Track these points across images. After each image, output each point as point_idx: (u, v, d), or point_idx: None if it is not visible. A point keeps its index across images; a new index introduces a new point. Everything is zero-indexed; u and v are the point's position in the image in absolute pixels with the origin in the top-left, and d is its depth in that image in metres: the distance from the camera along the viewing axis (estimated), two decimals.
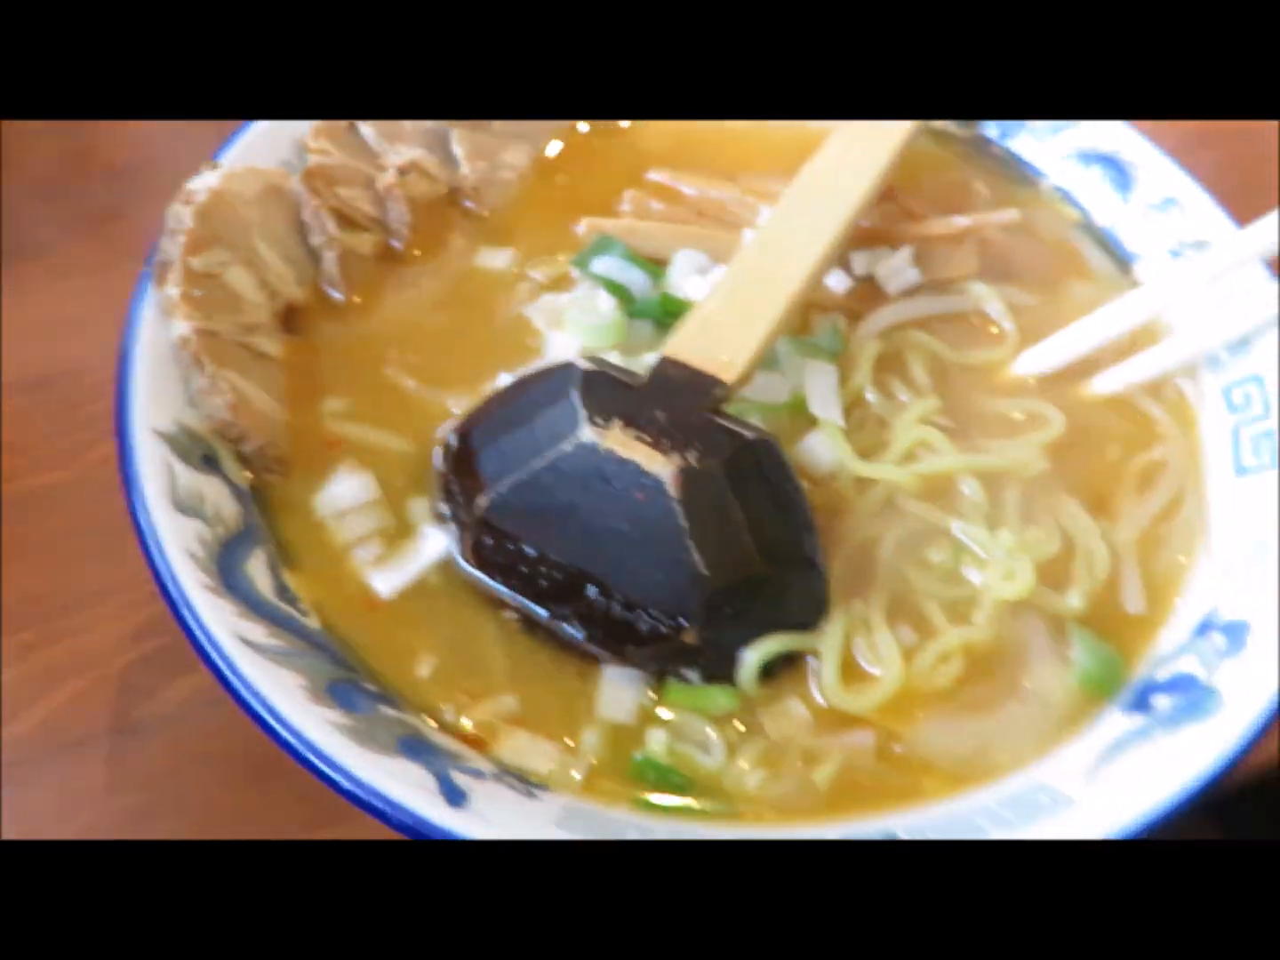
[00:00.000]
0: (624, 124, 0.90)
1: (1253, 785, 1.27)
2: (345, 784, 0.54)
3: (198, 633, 0.57)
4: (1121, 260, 0.85)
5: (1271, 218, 0.72)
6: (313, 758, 0.54)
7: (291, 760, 0.55)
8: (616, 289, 0.75)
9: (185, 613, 0.58)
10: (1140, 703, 0.64)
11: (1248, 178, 0.91)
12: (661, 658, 0.63)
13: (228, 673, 0.56)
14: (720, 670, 0.64)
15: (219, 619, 0.58)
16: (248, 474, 0.68)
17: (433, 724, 0.61)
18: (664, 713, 0.63)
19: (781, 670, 0.65)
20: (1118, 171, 0.86)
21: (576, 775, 0.61)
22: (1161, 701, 0.63)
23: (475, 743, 0.61)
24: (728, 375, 0.65)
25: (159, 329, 0.68)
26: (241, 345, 0.71)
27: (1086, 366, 0.78)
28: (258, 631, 0.59)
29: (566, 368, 0.65)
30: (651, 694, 0.64)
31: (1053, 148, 0.89)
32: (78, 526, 0.80)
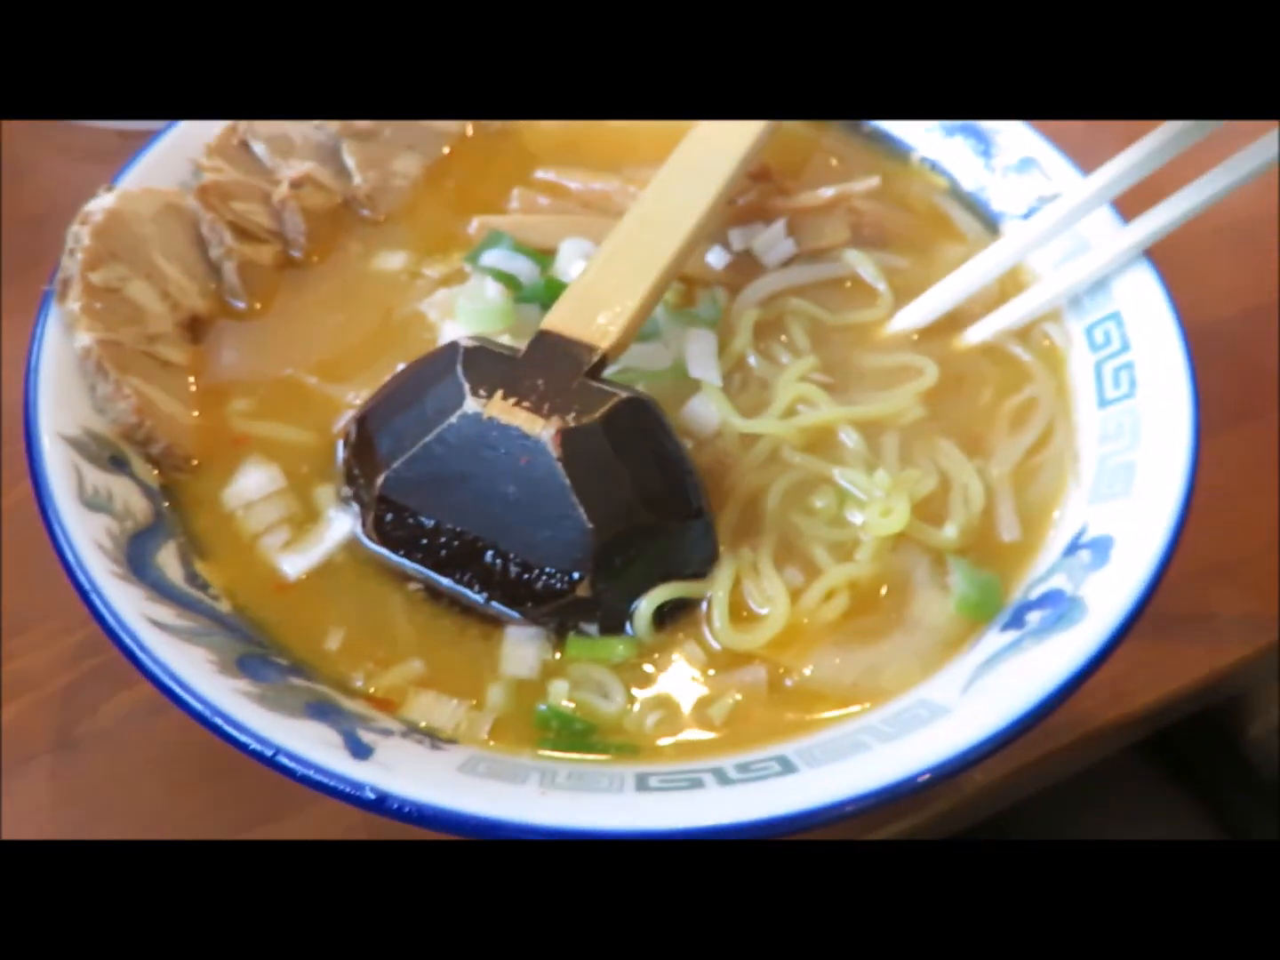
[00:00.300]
0: (511, 125, 0.94)
1: (1250, 780, 1.32)
2: (252, 744, 0.56)
3: (107, 616, 0.60)
4: (989, 220, 0.90)
5: (1111, 164, 0.77)
6: (220, 721, 0.57)
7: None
8: (505, 277, 0.79)
9: (94, 598, 0.60)
10: (1016, 621, 0.67)
11: (1095, 129, 0.95)
12: (559, 613, 0.66)
13: (136, 650, 0.59)
14: (616, 621, 0.67)
15: (127, 602, 0.61)
16: (157, 473, 0.71)
17: (343, 692, 0.64)
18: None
19: (677, 617, 0.68)
20: (978, 139, 0.91)
21: (483, 729, 0.64)
22: (1033, 617, 0.67)
23: (384, 705, 0.64)
24: (603, 342, 0.69)
25: (63, 342, 0.71)
26: (146, 354, 0.74)
27: (958, 319, 0.83)
28: (166, 613, 0.62)
29: (450, 347, 0.69)
30: (554, 649, 0.67)
31: (919, 122, 0.94)
32: (11, 556, 0.83)
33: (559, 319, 0.70)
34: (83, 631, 0.85)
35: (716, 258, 0.84)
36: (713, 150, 0.81)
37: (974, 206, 0.91)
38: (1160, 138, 0.74)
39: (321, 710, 0.61)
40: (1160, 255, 0.80)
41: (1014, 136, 0.89)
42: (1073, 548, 0.70)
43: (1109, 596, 0.64)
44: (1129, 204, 0.80)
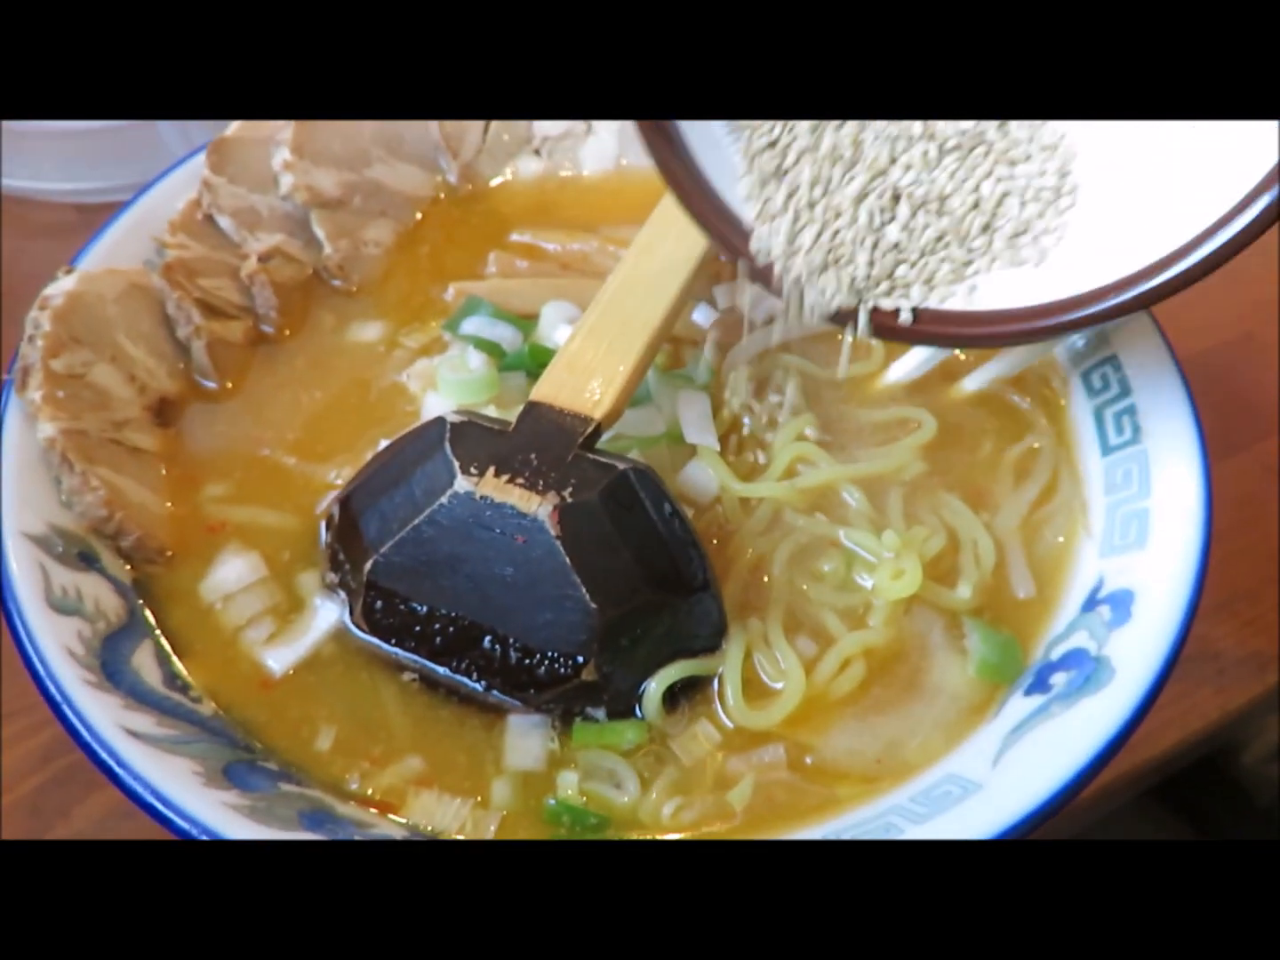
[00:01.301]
0: (483, 188, 0.92)
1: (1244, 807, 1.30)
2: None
3: (80, 729, 0.56)
4: None
5: None
6: (209, 840, 0.53)
7: None
8: (487, 345, 0.77)
9: (66, 710, 0.57)
10: (1040, 683, 0.65)
11: None
12: (564, 699, 0.63)
13: (113, 765, 0.55)
14: (625, 704, 0.64)
15: (102, 713, 0.57)
16: (129, 568, 0.68)
17: (337, 795, 0.60)
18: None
19: (688, 696, 0.65)
20: None
21: (490, 828, 0.60)
22: (1058, 679, 0.64)
23: (383, 807, 0.60)
24: (596, 412, 0.66)
25: (26, 434, 0.68)
26: (113, 441, 0.70)
27: (951, 369, 0.81)
28: (145, 722, 0.58)
29: (436, 423, 0.66)
30: (559, 737, 0.63)
31: None
32: None
33: (548, 389, 0.68)
34: (53, 728, 0.81)
35: (703, 315, 0.81)
36: None
37: None
38: None
39: (316, 819, 0.57)
40: None
41: None
42: (1091, 603, 0.68)
43: (1136, 656, 0.62)
44: None
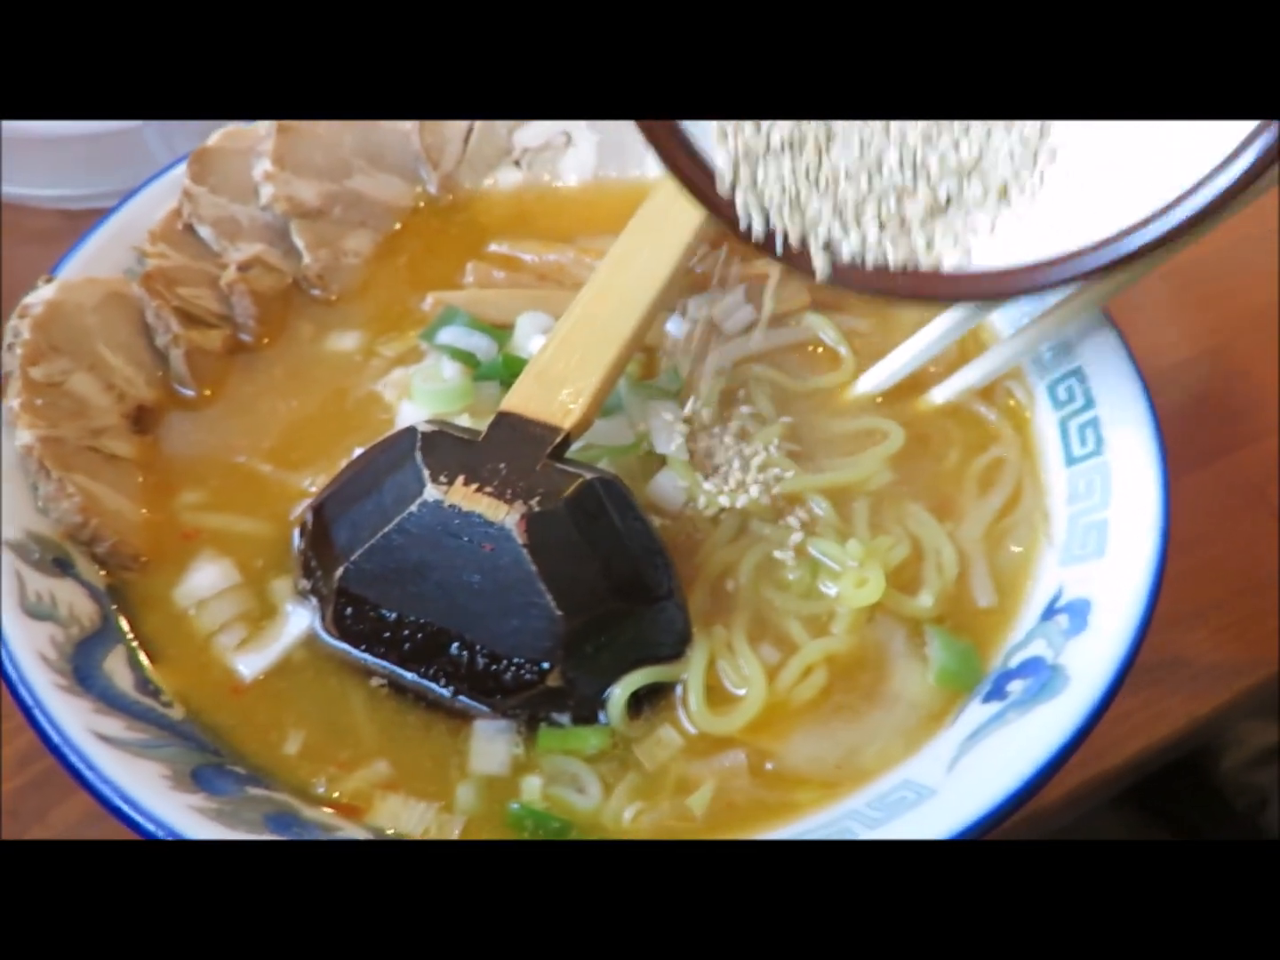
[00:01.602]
0: (463, 198, 0.93)
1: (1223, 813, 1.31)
2: None
3: (51, 733, 0.57)
4: None
5: None
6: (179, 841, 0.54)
7: None
8: (462, 355, 0.78)
9: (37, 714, 0.58)
10: (997, 691, 0.66)
11: None
12: (530, 704, 0.64)
13: (82, 768, 0.56)
14: (589, 710, 0.65)
15: (73, 717, 0.58)
16: (103, 574, 0.69)
17: (304, 799, 0.61)
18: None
19: (651, 702, 0.66)
20: None
21: (454, 832, 0.61)
22: (1015, 687, 0.65)
23: (349, 811, 0.61)
24: (565, 422, 0.67)
25: (3, 441, 0.69)
26: (90, 449, 0.71)
27: (921, 381, 0.82)
28: (115, 726, 0.59)
29: (407, 433, 0.67)
30: (524, 742, 0.65)
31: None
32: None
33: (519, 399, 0.69)
34: (29, 734, 0.82)
35: (676, 326, 0.82)
36: (670, 219, 0.80)
37: None
38: None
39: (283, 823, 0.58)
40: (1112, 304, 0.81)
41: None
42: (1049, 612, 0.69)
43: (1090, 665, 0.63)
44: None
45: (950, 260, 0.67)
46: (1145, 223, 0.61)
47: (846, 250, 0.67)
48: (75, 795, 0.80)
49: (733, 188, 0.68)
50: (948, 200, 0.66)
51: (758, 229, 0.68)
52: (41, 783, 0.81)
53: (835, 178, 0.66)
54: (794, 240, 0.68)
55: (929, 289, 0.68)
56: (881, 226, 0.67)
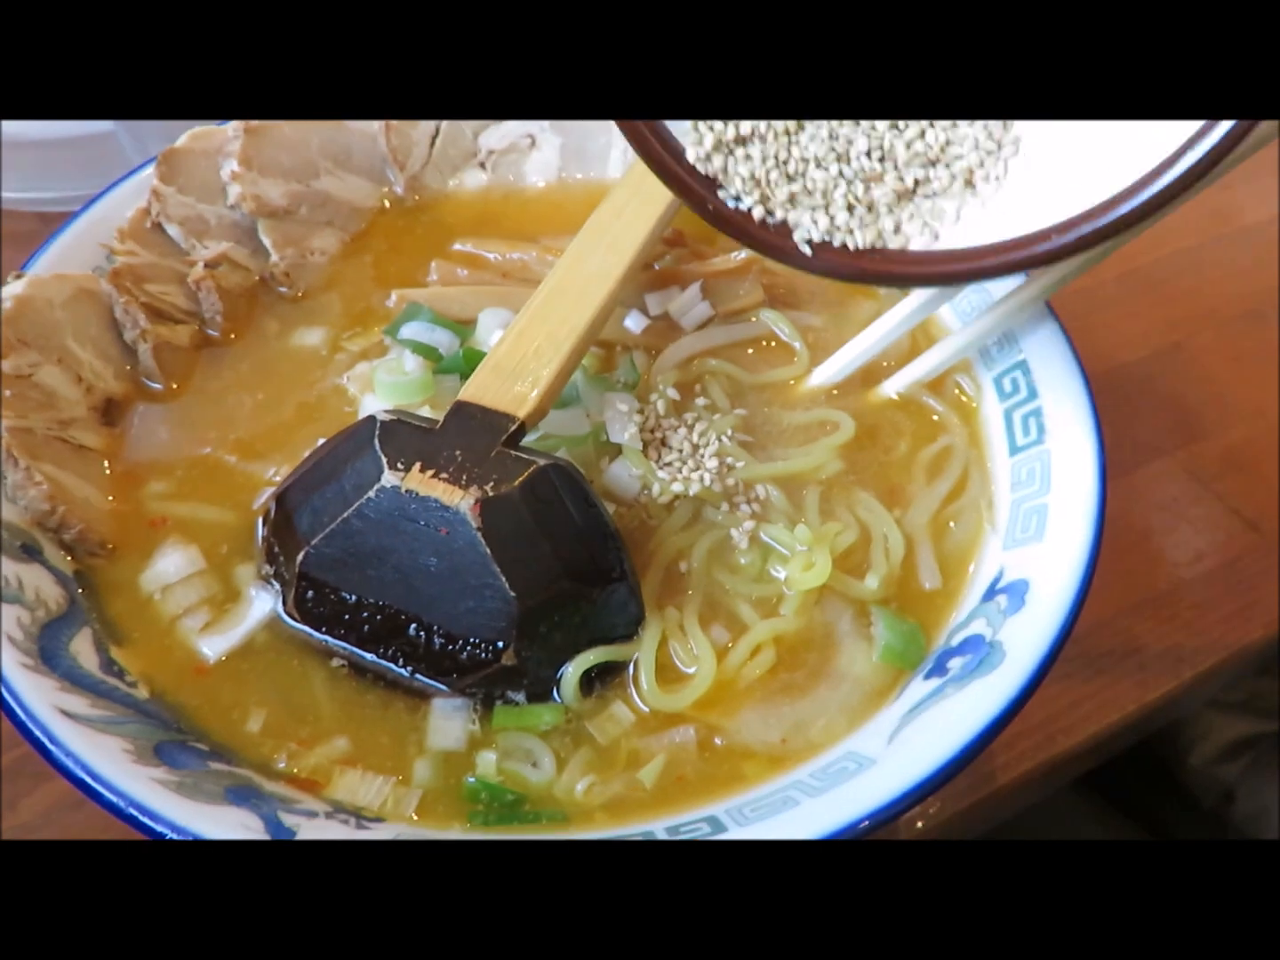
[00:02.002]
0: (428, 199, 0.96)
1: (1191, 809, 1.33)
2: (169, 834, 0.55)
3: (16, 709, 0.59)
4: None
5: None
6: (135, 812, 0.56)
7: None
8: (424, 349, 0.80)
9: (2, 691, 0.59)
10: (938, 668, 0.68)
11: None
12: (486, 683, 0.66)
13: (46, 742, 0.57)
14: (543, 688, 0.67)
15: (37, 694, 0.60)
16: (70, 560, 0.70)
17: (265, 774, 0.63)
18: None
19: (604, 681, 0.68)
20: None
21: (410, 805, 0.63)
22: (955, 663, 0.67)
23: (309, 785, 0.63)
24: (520, 411, 0.69)
25: None
26: (59, 439, 0.73)
27: (873, 373, 0.84)
28: (79, 703, 0.61)
29: (367, 422, 0.69)
30: (480, 720, 0.66)
31: None
32: None
33: (476, 389, 0.71)
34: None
35: (635, 322, 0.85)
36: (626, 219, 0.83)
37: None
38: None
39: (242, 795, 0.60)
40: (1070, 305, 0.83)
41: None
42: (990, 593, 0.71)
43: (1026, 640, 0.65)
44: None
45: (917, 244, 0.69)
46: (1097, 212, 0.63)
47: (815, 233, 0.70)
48: (45, 785, 0.82)
49: (701, 170, 0.70)
50: (915, 185, 0.69)
51: (725, 209, 0.70)
52: (11, 773, 0.82)
53: (804, 162, 0.69)
54: (760, 220, 0.70)
55: (896, 269, 0.70)
56: (850, 210, 0.69)
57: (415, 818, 0.62)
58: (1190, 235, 1.36)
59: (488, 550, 0.64)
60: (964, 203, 0.69)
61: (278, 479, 0.75)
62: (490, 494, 0.65)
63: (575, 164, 0.98)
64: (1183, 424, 1.16)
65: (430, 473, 0.66)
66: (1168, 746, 1.40)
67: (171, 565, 0.71)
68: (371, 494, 0.65)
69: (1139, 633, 0.99)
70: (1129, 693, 0.96)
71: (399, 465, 0.66)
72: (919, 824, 0.90)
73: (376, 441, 0.67)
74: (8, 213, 1.20)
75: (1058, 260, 0.66)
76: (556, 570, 0.66)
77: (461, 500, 0.64)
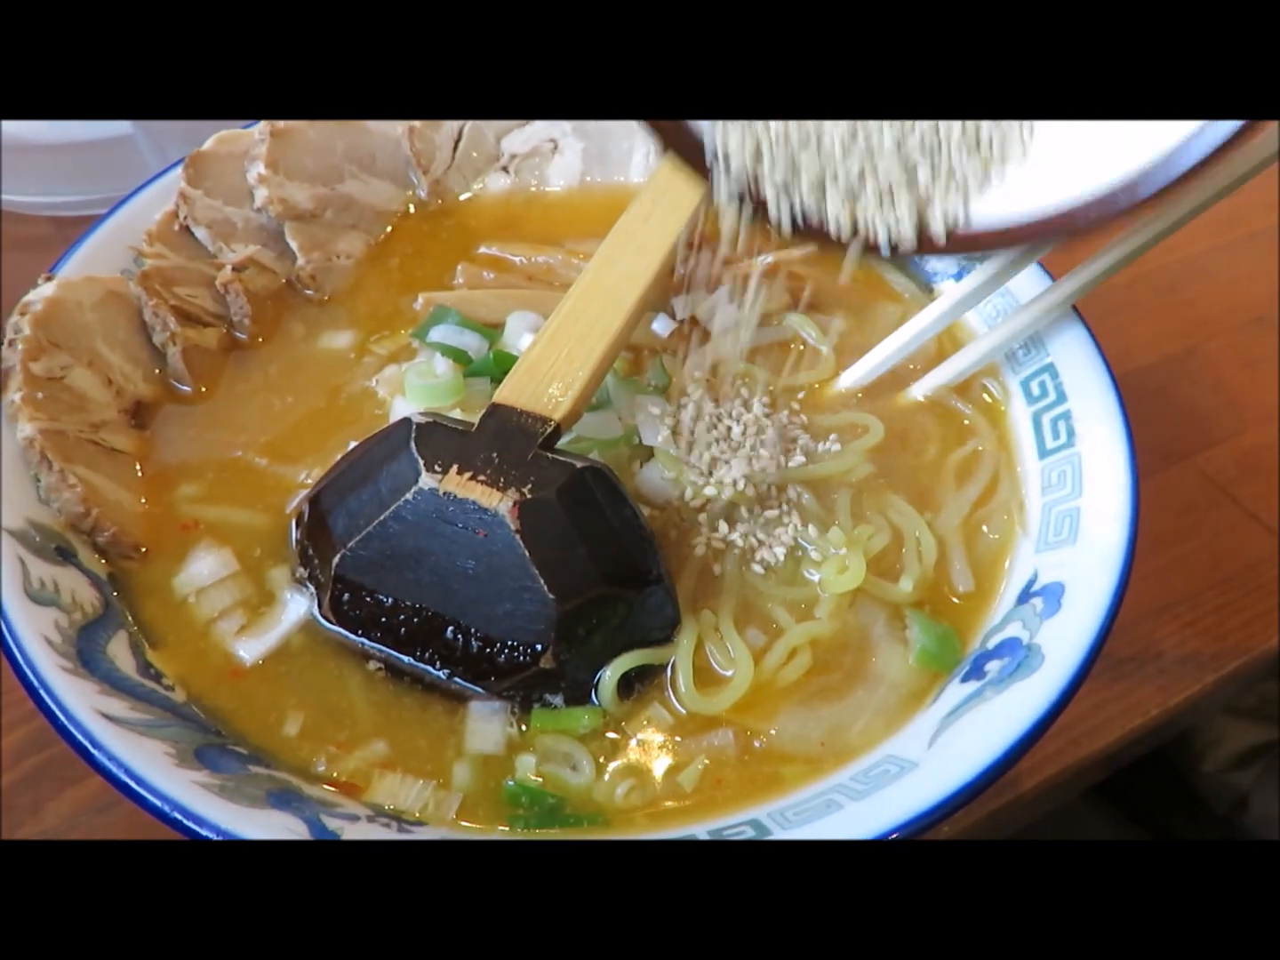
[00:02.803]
0: (452, 203, 0.96)
1: (1203, 816, 1.34)
2: (214, 838, 0.55)
3: (57, 712, 0.58)
4: (923, 281, 0.93)
5: None
6: (180, 816, 0.55)
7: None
8: (453, 352, 0.80)
9: (43, 694, 0.59)
10: (976, 670, 0.68)
11: None
12: (524, 686, 0.66)
13: (89, 746, 0.57)
14: (581, 691, 0.67)
15: (78, 697, 0.59)
16: (104, 563, 0.70)
17: (305, 778, 0.63)
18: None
19: (642, 683, 0.68)
20: None
21: (451, 809, 0.63)
22: (992, 666, 0.67)
23: (349, 790, 0.63)
24: (555, 414, 0.69)
25: (5, 434, 0.70)
26: (90, 442, 0.73)
27: (900, 377, 0.85)
28: (119, 706, 0.61)
29: (403, 424, 0.69)
30: (518, 723, 0.66)
31: None
32: None
33: (511, 392, 0.71)
34: (23, 729, 0.83)
35: (662, 325, 0.85)
36: (653, 222, 0.83)
37: (907, 268, 0.93)
38: None
39: (284, 799, 0.59)
40: (1081, 311, 0.84)
41: None
42: (1025, 596, 0.71)
43: (1064, 642, 0.65)
44: (1056, 262, 0.83)
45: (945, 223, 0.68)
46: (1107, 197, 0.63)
47: (844, 219, 0.68)
48: (69, 789, 0.81)
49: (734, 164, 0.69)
50: (949, 172, 0.68)
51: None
52: (35, 777, 0.82)
53: (831, 153, 0.68)
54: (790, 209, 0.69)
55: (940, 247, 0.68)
56: (879, 198, 0.68)
57: (457, 821, 0.62)
58: (1200, 241, 1.37)
59: (526, 553, 0.64)
60: (993, 181, 0.66)
61: (309, 482, 0.75)
62: (529, 496, 0.65)
63: (597, 168, 0.99)
64: (1197, 429, 1.16)
65: (468, 475, 0.65)
66: (1180, 753, 1.40)
67: (205, 568, 0.71)
68: (409, 496, 0.65)
69: (1160, 637, 0.99)
70: (1151, 697, 0.96)
71: (436, 468, 0.66)
72: (944, 828, 0.90)
73: (413, 444, 0.67)
74: (21, 217, 1.19)
75: (1086, 232, 0.64)
76: (594, 573, 0.66)
77: (500, 502, 0.64)
